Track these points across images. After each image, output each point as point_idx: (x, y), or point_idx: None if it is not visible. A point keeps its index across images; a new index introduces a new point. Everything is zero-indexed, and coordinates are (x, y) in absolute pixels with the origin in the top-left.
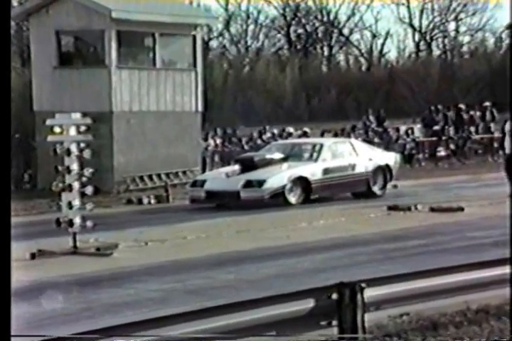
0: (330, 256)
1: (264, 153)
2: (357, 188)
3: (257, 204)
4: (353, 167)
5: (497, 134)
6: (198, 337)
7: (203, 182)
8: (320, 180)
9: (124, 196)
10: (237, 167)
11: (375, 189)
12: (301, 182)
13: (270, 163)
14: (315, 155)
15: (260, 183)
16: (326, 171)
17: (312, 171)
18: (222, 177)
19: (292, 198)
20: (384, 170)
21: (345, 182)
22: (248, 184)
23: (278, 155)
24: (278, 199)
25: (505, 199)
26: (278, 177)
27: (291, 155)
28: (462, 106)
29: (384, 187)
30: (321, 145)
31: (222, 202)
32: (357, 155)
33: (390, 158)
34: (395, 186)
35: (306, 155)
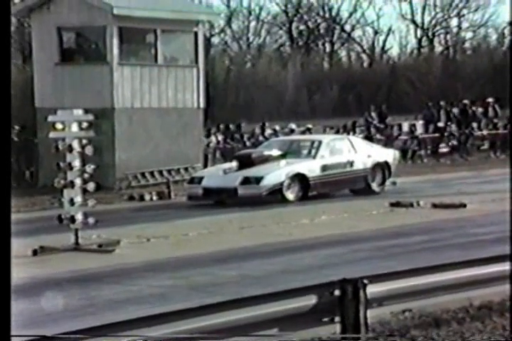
0: (333, 253)
1: (262, 150)
2: (355, 185)
3: (255, 201)
4: (352, 164)
5: (501, 130)
6: (197, 337)
7: (201, 179)
8: (318, 177)
9: (126, 192)
10: (234, 164)
11: (374, 186)
12: (299, 178)
13: (268, 159)
14: (313, 151)
15: (258, 180)
16: (324, 168)
17: (310, 168)
18: (219, 174)
19: (290, 195)
20: (382, 167)
21: (343, 179)
22: (246, 181)
23: (276, 152)
24: (276, 196)
25: (507, 196)
26: (276, 173)
27: (290, 151)
28: (467, 101)
29: (382, 184)
30: (320, 142)
31: (220, 198)
32: (355, 152)
33: (389, 155)
34: (394, 183)
35: (305, 151)
